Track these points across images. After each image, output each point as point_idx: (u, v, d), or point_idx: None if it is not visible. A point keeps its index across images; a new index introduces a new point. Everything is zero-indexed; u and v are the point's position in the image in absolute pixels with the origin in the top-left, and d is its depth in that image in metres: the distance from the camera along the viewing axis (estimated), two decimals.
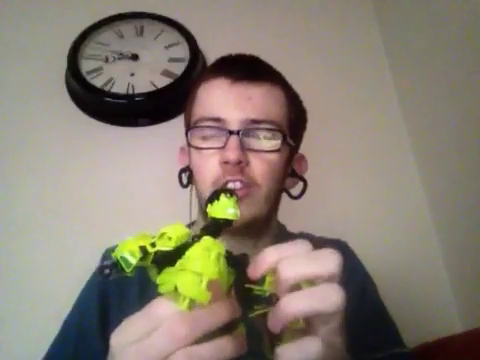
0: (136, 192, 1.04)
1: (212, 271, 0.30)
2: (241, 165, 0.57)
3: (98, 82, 1.09)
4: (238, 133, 0.57)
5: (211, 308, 0.31)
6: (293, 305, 0.32)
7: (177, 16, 1.19)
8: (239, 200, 0.56)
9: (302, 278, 0.33)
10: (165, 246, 0.32)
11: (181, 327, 0.30)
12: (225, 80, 0.60)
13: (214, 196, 0.38)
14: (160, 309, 0.31)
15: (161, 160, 1.05)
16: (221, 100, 0.60)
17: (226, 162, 0.56)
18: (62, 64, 1.11)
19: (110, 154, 1.08)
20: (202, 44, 1.17)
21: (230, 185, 0.57)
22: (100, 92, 1.08)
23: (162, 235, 0.33)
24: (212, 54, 0.67)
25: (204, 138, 0.60)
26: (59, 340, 0.60)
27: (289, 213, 0.72)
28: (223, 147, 0.57)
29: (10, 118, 1.09)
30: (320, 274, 0.33)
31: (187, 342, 0.30)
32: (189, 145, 0.62)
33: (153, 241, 0.32)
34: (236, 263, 0.34)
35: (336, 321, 0.34)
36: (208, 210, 0.38)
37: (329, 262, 0.33)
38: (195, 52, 1.14)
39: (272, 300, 0.33)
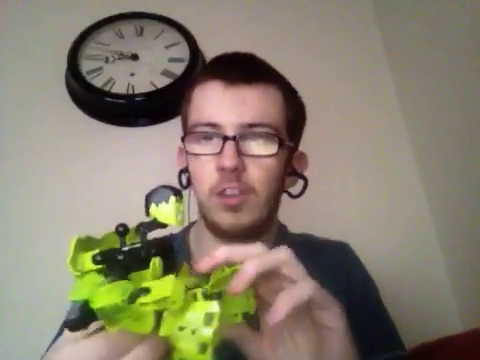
0: (136, 192, 1.04)
1: (215, 340, 0.29)
2: (238, 171, 0.56)
3: (98, 82, 1.09)
4: (234, 138, 0.56)
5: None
6: (251, 264, 0.34)
7: (177, 16, 1.19)
8: (237, 208, 0.57)
9: (262, 271, 0.35)
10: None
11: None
12: (220, 83, 0.59)
13: (160, 197, 0.34)
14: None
15: (161, 160, 1.05)
16: (216, 104, 0.59)
17: (222, 169, 0.55)
18: (62, 64, 1.11)
19: (110, 154, 1.08)
20: (202, 44, 1.17)
21: (228, 192, 0.56)
22: (100, 92, 1.08)
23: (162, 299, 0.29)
24: (212, 54, 0.67)
25: (200, 142, 0.59)
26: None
27: (289, 213, 0.72)
28: (219, 153, 0.56)
29: (10, 118, 1.09)
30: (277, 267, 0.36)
31: None
32: (186, 152, 0.61)
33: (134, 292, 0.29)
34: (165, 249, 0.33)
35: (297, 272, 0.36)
36: (152, 211, 0.34)
37: (282, 256, 0.36)
38: (195, 52, 1.14)
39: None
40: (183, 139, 0.61)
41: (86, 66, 1.11)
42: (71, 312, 0.28)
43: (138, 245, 0.32)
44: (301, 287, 0.35)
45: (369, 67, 1.26)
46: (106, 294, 0.29)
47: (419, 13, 1.10)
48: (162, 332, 0.29)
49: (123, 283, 0.30)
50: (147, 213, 0.35)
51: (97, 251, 0.31)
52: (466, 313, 1.01)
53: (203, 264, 0.35)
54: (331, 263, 0.62)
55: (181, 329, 0.30)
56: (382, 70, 1.26)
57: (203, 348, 0.29)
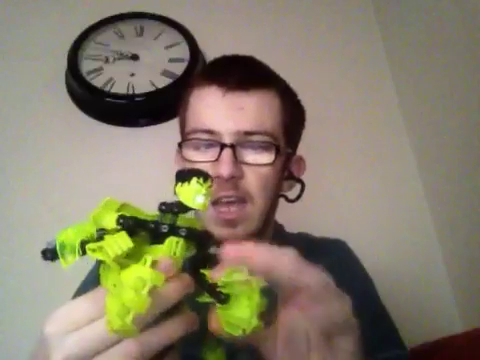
0: (136, 192, 1.04)
1: (141, 306, 0.28)
2: (234, 179, 0.56)
3: (98, 82, 1.09)
4: (231, 146, 0.56)
5: (157, 292, 0.29)
6: (253, 250, 0.32)
7: (177, 16, 1.19)
8: (233, 223, 0.56)
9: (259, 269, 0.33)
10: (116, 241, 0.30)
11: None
12: (217, 89, 0.59)
13: (185, 176, 0.34)
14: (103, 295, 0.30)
15: (161, 160, 1.05)
16: (213, 111, 0.59)
17: (219, 177, 0.55)
18: (62, 64, 1.11)
19: (110, 154, 1.08)
20: (202, 44, 1.17)
21: (224, 200, 0.56)
22: (100, 92, 1.08)
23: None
24: (212, 54, 0.67)
25: (197, 149, 0.59)
26: None
27: (287, 213, 0.72)
28: (216, 160, 0.56)
29: (10, 118, 1.09)
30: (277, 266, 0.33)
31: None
32: (183, 158, 0.61)
33: (100, 231, 0.31)
34: (199, 240, 0.33)
35: (339, 329, 0.33)
36: (177, 190, 0.34)
37: (286, 257, 0.33)
38: (195, 52, 1.14)
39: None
40: (180, 145, 0.61)
41: (86, 66, 1.12)
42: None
43: (166, 223, 0.32)
44: (282, 259, 0.32)
45: (369, 67, 1.26)
46: (73, 232, 0.31)
47: (419, 13, 1.10)
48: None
49: (89, 226, 0.31)
50: (174, 191, 0.34)
51: (123, 214, 0.32)
52: (466, 313, 1.01)
53: (218, 274, 0.33)
54: (329, 261, 0.62)
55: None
56: (382, 70, 1.26)
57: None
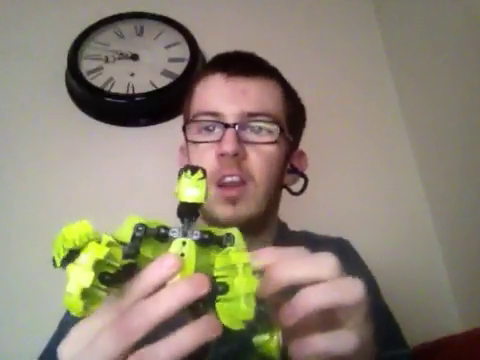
0: (136, 192, 1.04)
1: (84, 282, 0.27)
2: (238, 158, 0.56)
3: (98, 82, 1.09)
4: (234, 126, 0.57)
5: (166, 291, 0.29)
6: (314, 297, 0.31)
7: (177, 16, 1.19)
8: (236, 199, 0.57)
9: (296, 281, 0.32)
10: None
11: (129, 320, 0.28)
12: (221, 75, 0.61)
13: (178, 176, 0.33)
14: (107, 307, 0.29)
15: (161, 160, 1.05)
16: (217, 94, 0.60)
17: (222, 154, 0.56)
18: (62, 64, 1.11)
19: (110, 154, 1.08)
20: (202, 44, 1.17)
21: (227, 179, 0.57)
22: (100, 92, 1.08)
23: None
24: (212, 54, 0.68)
25: (200, 132, 0.60)
26: (56, 338, 0.60)
27: (289, 212, 0.72)
28: (219, 140, 0.57)
29: (10, 118, 1.09)
30: (316, 278, 0.32)
31: (135, 337, 0.27)
32: (186, 139, 0.62)
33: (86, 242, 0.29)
34: (214, 243, 0.32)
35: (361, 315, 0.32)
36: (174, 193, 0.33)
37: (326, 266, 0.32)
38: (195, 52, 1.14)
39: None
40: (184, 128, 0.62)
41: (86, 66, 1.11)
42: None
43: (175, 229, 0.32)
44: (348, 292, 0.31)
45: (369, 67, 1.26)
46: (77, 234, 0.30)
47: (419, 13, 1.10)
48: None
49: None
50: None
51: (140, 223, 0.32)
52: (466, 313, 1.01)
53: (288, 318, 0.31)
54: None
55: None
56: (382, 70, 1.26)
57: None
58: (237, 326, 0.29)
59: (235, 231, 0.34)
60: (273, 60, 0.67)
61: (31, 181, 1.03)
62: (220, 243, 0.32)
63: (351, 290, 0.31)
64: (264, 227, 0.63)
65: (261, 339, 0.33)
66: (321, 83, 1.19)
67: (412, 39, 1.14)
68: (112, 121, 1.10)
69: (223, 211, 0.57)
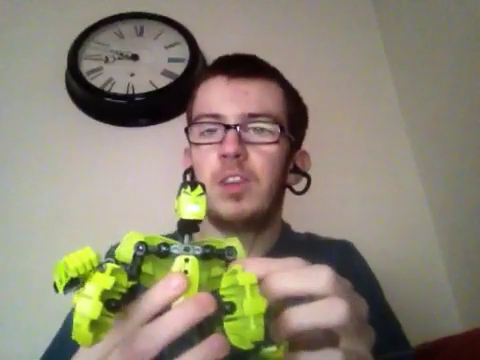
0: (136, 192, 1.04)
1: (92, 314, 0.27)
2: (239, 159, 0.57)
3: (98, 82, 1.09)
4: (235, 127, 0.57)
5: (172, 313, 0.29)
6: (294, 319, 0.31)
7: (177, 16, 1.19)
8: (239, 196, 0.57)
9: (289, 294, 0.31)
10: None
11: (134, 347, 0.28)
12: (222, 77, 0.61)
13: (178, 192, 0.33)
14: (115, 327, 0.29)
15: (161, 160, 1.05)
16: (218, 96, 0.61)
17: (224, 155, 0.56)
18: (62, 64, 1.11)
19: (110, 154, 1.08)
20: (202, 44, 1.17)
21: (229, 180, 0.57)
22: (100, 92, 1.08)
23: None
24: (212, 54, 0.68)
25: (203, 134, 0.61)
26: (59, 340, 0.60)
27: (291, 213, 0.72)
28: (221, 141, 0.57)
29: (10, 118, 1.09)
30: (309, 291, 0.31)
31: (147, 357, 0.28)
32: (189, 141, 0.62)
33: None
34: (220, 257, 0.32)
35: (350, 333, 0.32)
36: (175, 210, 0.33)
37: (321, 280, 0.31)
38: (195, 52, 1.14)
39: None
40: (186, 130, 0.62)
41: (86, 66, 1.11)
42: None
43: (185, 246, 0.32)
44: (330, 313, 0.31)
45: (369, 67, 1.26)
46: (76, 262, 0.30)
47: (419, 13, 1.10)
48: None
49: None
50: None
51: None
52: (466, 313, 1.01)
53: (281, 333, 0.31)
54: (336, 262, 0.62)
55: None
56: (382, 70, 1.26)
57: None
58: (246, 346, 0.29)
59: (235, 242, 0.34)
60: (273, 60, 0.67)
61: (31, 181, 1.03)
62: (222, 257, 0.32)
63: (334, 311, 0.31)
64: (267, 225, 0.63)
65: (268, 351, 0.33)
66: (321, 83, 1.19)
67: (412, 39, 1.14)
68: (112, 121, 1.10)
69: (226, 207, 0.57)
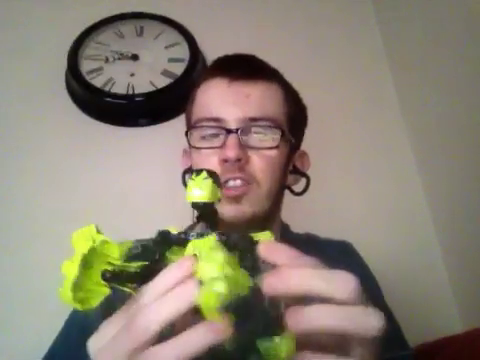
0: (136, 192, 1.04)
1: (73, 274, 0.30)
2: (240, 163, 0.57)
3: (98, 82, 1.09)
4: (237, 131, 0.57)
5: (170, 293, 0.29)
6: (322, 317, 0.29)
7: (177, 16, 1.19)
8: (239, 198, 0.57)
9: (313, 293, 0.30)
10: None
11: (138, 321, 0.29)
12: (222, 80, 0.61)
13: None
14: (132, 305, 0.31)
15: (161, 160, 1.05)
16: (219, 100, 0.60)
17: (225, 160, 0.56)
18: (62, 64, 1.11)
19: (110, 154, 1.08)
20: (202, 44, 1.17)
21: (230, 183, 0.57)
22: (100, 92, 1.08)
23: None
24: (212, 54, 0.67)
25: (203, 138, 0.60)
26: (61, 339, 0.60)
27: (291, 213, 0.72)
28: (222, 146, 0.57)
29: (10, 118, 1.09)
30: (332, 296, 0.30)
31: (144, 337, 0.29)
32: (189, 145, 0.62)
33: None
34: (233, 245, 0.33)
35: (370, 348, 0.31)
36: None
37: (346, 287, 0.30)
38: (195, 52, 1.14)
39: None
40: (187, 134, 0.62)
41: (86, 66, 1.11)
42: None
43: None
44: (364, 323, 0.30)
45: (369, 67, 1.26)
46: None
47: (419, 13, 1.10)
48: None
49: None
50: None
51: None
52: (466, 313, 1.01)
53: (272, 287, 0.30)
54: (335, 262, 0.62)
55: None
56: (382, 70, 1.26)
57: None
58: (213, 314, 0.28)
59: (267, 235, 0.35)
60: (273, 60, 0.67)
61: (31, 181, 1.03)
62: (236, 246, 0.33)
63: (370, 322, 0.30)
64: (267, 226, 0.63)
65: (267, 343, 0.31)
66: (321, 83, 1.19)
67: (412, 39, 1.14)
68: (112, 121, 1.10)
69: (228, 209, 0.57)
